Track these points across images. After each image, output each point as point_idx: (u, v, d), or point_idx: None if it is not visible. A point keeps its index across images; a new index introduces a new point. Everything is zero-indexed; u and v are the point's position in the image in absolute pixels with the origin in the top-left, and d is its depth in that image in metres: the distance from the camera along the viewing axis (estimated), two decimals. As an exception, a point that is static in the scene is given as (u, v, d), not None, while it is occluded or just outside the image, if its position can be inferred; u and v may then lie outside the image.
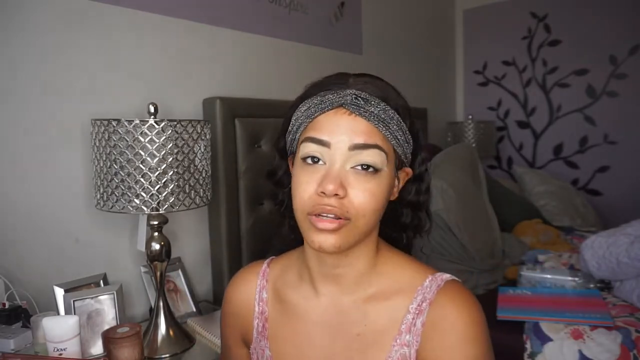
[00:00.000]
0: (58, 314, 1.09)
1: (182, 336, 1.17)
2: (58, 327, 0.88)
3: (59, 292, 1.11)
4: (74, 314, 1.06)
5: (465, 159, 1.96)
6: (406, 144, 0.63)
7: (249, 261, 1.51)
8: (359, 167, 0.58)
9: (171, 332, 1.15)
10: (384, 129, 0.59)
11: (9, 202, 1.12)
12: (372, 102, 0.59)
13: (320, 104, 0.60)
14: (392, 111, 0.60)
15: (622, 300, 1.43)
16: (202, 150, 1.10)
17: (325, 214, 0.57)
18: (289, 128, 0.66)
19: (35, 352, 0.99)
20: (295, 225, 0.64)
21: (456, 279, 0.66)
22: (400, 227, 0.71)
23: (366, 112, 0.58)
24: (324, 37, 1.97)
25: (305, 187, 0.58)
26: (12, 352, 0.99)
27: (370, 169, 0.58)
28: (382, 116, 0.59)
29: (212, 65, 1.54)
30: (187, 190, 1.07)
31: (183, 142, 1.05)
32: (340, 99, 0.59)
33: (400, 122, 0.61)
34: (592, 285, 1.53)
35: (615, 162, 2.54)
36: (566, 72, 2.65)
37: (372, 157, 0.58)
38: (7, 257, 1.11)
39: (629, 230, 1.47)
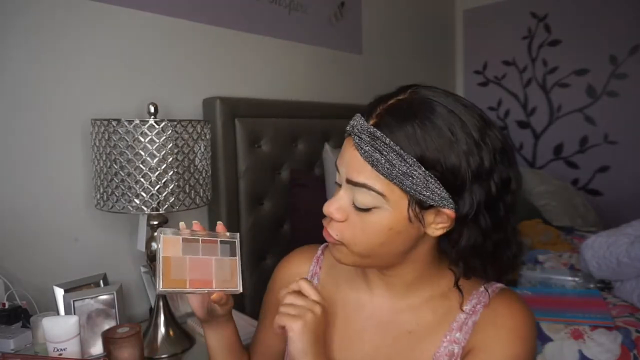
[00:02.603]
0: (58, 314, 1.09)
1: (182, 336, 1.17)
2: (58, 327, 0.88)
3: (59, 292, 1.11)
4: (74, 314, 1.06)
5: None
6: (424, 187, 0.54)
7: (249, 261, 1.52)
8: (358, 208, 0.59)
9: (171, 332, 1.15)
10: (378, 167, 0.55)
11: (9, 202, 1.12)
12: (372, 138, 0.55)
13: (345, 129, 0.61)
14: (396, 148, 0.54)
15: (622, 301, 1.43)
16: (202, 150, 1.10)
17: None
18: None
19: (35, 352, 0.99)
20: None
21: (510, 288, 0.66)
22: (460, 259, 0.63)
23: (362, 148, 0.56)
24: (324, 37, 1.97)
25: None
26: (12, 352, 0.99)
27: (360, 209, 0.58)
28: (376, 154, 0.54)
29: (212, 65, 1.54)
30: (187, 190, 1.07)
31: (183, 142, 1.05)
32: (350, 127, 0.59)
33: (409, 161, 0.54)
34: (592, 285, 1.53)
35: (615, 162, 2.53)
36: (566, 72, 2.65)
37: (362, 196, 0.57)
38: (7, 257, 1.11)
39: (629, 230, 1.47)
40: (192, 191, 1.08)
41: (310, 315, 0.60)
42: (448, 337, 0.63)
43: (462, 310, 0.64)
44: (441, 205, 0.56)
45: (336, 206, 0.60)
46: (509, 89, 2.89)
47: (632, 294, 1.40)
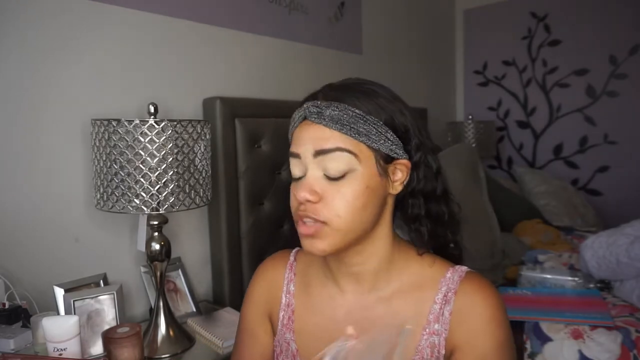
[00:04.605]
0: (58, 314, 1.09)
1: (182, 336, 1.17)
2: (58, 327, 0.88)
3: (59, 292, 1.11)
4: (74, 314, 1.06)
5: (465, 159, 1.96)
6: (384, 139, 0.62)
7: (249, 261, 1.52)
8: (327, 175, 0.61)
9: (171, 332, 1.15)
10: (345, 129, 0.60)
11: (9, 202, 1.12)
12: (329, 107, 0.61)
13: (292, 121, 0.66)
14: (356, 110, 0.61)
15: (622, 300, 1.43)
16: (202, 150, 1.10)
17: (304, 219, 0.62)
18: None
19: (35, 352, 1.00)
20: None
21: (473, 270, 0.69)
22: (414, 219, 0.70)
23: (323, 119, 0.61)
24: (324, 37, 1.97)
25: (292, 198, 0.65)
26: (12, 352, 0.99)
27: (335, 178, 0.61)
28: (341, 118, 0.60)
29: (212, 65, 1.54)
30: (187, 190, 1.07)
31: (183, 142, 1.05)
32: (302, 112, 0.63)
33: (369, 119, 0.61)
34: (592, 285, 1.53)
35: (615, 162, 2.54)
36: (566, 72, 2.65)
37: (335, 161, 0.60)
38: (7, 257, 1.11)
39: (629, 230, 1.47)
40: (192, 191, 1.08)
41: None
42: (427, 329, 0.65)
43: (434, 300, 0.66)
44: (400, 155, 0.64)
45: (308, 189, 0.61)
46: (509, 89, 2.89)
47: (631, 294, 1.40)
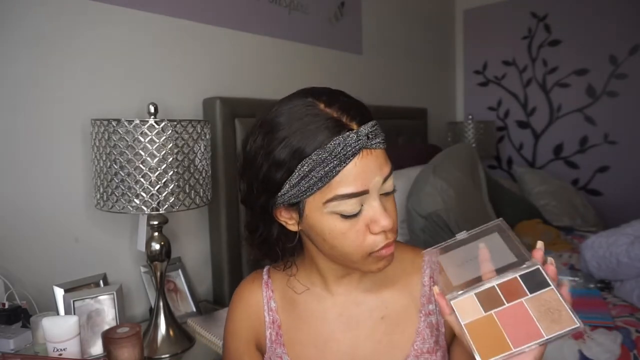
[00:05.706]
0: (58, 314, 1.09)
1: (182, 336, 1.17)
2: (58, 327, 0.88)
3: (59, 292, 1.11)
4: (74, 314, 1.06)
5: (465, 159, 1.96)
6: None
7: (249, 261, 1.52)
8: (385, 193, 0.60)
9: (171, 332, 1.15)
10: (385, 145, 0.61)
11: (9, 202, 1.12)
12: (377, 129, 0.59)
13: (338, 158, 0.55)
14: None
15: (623, 301, 1.43)
16: (202, 150, 1.10)
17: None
18: (288, 188, 0.59)
19: (35, 352, 1.00)
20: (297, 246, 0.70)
21: None
22: None
23: (381, 143, 0.59)
24: (324, 37, 1.97)
25: (357, 235, 0.58)
26: (12, 352, 0.99)
27: (390, 193, 0.61)
28: (384, 136, 0.60)
29: (212, 65, 1.54)
30: (187, 190, 1.07)
31: (183, 142, 1.05)
32: (357, 143, 0.56)
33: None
34: (592, 285, 1.53)
35: (615, 162, 2.54)
36: (566, 72, 2.65)
37: (392, 179, 0.60)
38: (7, 257, 1.11)
39: (629, 230, 1.47)
40: (192, 191, 1.08)
41: None
42: (423, 311, 0.68)
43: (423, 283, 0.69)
44: None
45: (388, 217, 0.58)
46: (509, 89, 2.89)
47: (632, 294, 1.40)
